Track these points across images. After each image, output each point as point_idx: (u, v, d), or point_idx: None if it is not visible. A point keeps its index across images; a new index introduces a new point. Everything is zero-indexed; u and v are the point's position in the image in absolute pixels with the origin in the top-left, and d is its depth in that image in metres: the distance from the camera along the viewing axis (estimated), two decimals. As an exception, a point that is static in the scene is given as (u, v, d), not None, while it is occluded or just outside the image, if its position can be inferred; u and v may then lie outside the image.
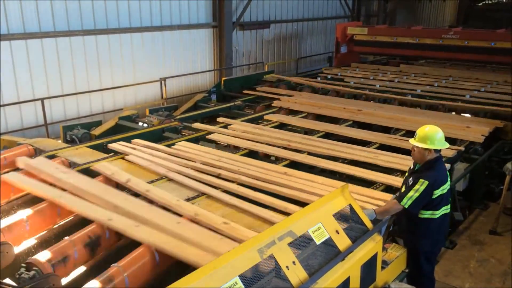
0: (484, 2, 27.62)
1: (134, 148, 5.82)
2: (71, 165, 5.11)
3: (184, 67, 12.07)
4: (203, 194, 4.52)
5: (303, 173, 5.07)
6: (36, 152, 5.48)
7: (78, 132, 6.92)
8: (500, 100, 8.71)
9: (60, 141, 6.82)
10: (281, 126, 7.42)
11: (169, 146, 6.04)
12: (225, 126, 7.12)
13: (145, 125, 7.41)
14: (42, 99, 8.85)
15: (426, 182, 3.88)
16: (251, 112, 8.36)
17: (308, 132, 7.01)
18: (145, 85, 11.04)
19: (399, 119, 7.50)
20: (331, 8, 17.74)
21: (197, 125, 7.18)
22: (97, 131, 7.17)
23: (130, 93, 10.88)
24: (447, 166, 5.12)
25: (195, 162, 5.37)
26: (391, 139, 6.42)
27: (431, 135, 3.97)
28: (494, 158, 6.74)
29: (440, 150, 4.05)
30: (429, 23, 23.94)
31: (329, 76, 11.51)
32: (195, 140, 6.47)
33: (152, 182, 4.78)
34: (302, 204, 4.15)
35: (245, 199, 4.38)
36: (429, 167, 4.01)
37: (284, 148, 6.08)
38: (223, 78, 10.50)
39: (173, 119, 7.47)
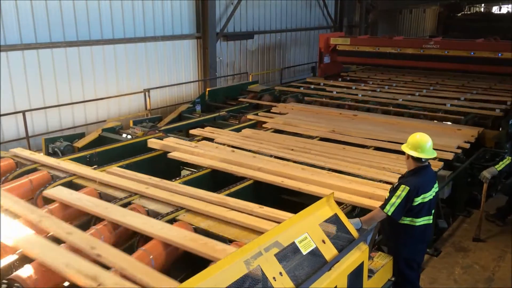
0: (463, 13, 28.24)
1: (212, 132, 7.17)
2: (53, 178, 5.03)
3: (168, 78, 12.05)
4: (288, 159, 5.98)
5: (358, 148, 6.51)
6: (18, 165, 5.38)
7: (60, 144, 6.84)
8: (481, 108, 8.89)
9: (42, 154, 6.71)
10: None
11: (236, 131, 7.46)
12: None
13: (129, 136, 7.35)
14: (23, 112, 8.73)
15: (407, 188, 3.95)
16: (235, 123, 8.36)
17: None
18: (129, 96, 10.98)
19: (394, 123, 8.04)
20: (314, 19, 17.94)
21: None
22: (80, 143, 7.09)
23: (114, 104, 10.79)
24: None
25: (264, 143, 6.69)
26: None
27: (421, 143, 4.08)
28: (476, 165, 6.84)
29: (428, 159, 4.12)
30: (410, 34, 24.37)
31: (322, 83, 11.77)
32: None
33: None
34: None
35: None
36: (413, 173, 4.10)
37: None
38: (208, 89, 10.50)
39: (157, 130, 7.43)
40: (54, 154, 6.64)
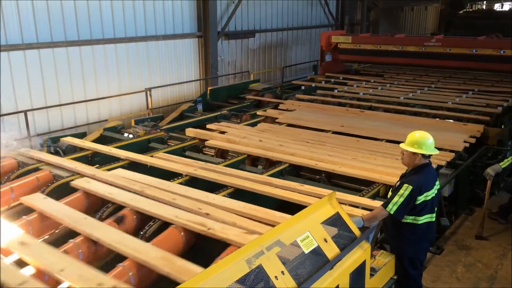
0: (465, 10, 28.12)
1: (229, 127, 7.44)
2: (55, 178, 5.02)
3: (169, 77, 12.05)
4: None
5: (371, 140, 6.82)
6: (20, 165, 5.38)
7: (62, 144, 6.82)
8: (483, 105, 8.87)
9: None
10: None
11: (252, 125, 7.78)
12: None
13: (131, 136, 7.36)
14: (25, 111, 8.74)
15: (410, 187, 3.93)
16: (237, 121, 8.36)
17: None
18: (130, 95, 10.99)
19: (401, 119, 8.22)
20: (315, 17, 17.91)
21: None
22: (82, 143, 7.07)
23: (115, 104, 10.80)
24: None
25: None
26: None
27: (421, 140, 4.04)
28: (478, 163, 6.82)
29: (429, 157, 4.10)
30: (411, 31, 24.29)
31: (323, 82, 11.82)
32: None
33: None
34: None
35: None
36: (415, 172, 4.07)
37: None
38: (209, 88, 10.50)
39: (159, 130, 7.43)
40: (56, 153, 6.62)
